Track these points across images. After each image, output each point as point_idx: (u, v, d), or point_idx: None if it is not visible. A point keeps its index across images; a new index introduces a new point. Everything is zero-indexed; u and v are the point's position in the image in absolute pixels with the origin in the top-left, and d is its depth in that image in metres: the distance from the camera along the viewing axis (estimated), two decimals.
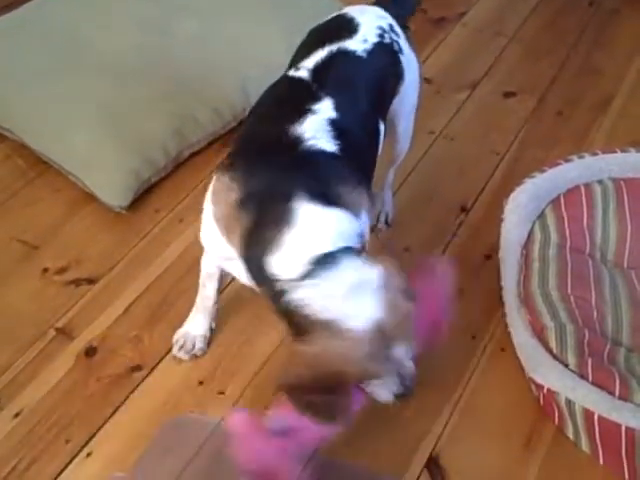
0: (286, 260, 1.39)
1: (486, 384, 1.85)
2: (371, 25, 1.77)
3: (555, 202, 2.07)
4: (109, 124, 2.28)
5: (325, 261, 1.36)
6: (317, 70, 1.65)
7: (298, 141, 1.50)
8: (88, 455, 1.67)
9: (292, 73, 1.67)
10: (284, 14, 2.65)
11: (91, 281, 2.03)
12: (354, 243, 1.43)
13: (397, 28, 1.84)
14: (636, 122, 2.58)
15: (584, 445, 1.69)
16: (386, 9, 1.86)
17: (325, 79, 1.63)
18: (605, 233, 2.02)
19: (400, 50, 1.81)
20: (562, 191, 2.09)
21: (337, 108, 1.58)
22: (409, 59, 1.85)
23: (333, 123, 1.55)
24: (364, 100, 1.67)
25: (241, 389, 1.80)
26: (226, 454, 1.46)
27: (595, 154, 2.18)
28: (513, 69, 2.86)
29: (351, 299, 1.33)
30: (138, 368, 1.83)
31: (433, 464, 1.69)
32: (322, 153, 1.51)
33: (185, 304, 1.91)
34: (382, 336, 1.34)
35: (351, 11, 1.82)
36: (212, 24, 2.60)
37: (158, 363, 1.84)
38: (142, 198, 2.24)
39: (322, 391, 1.35)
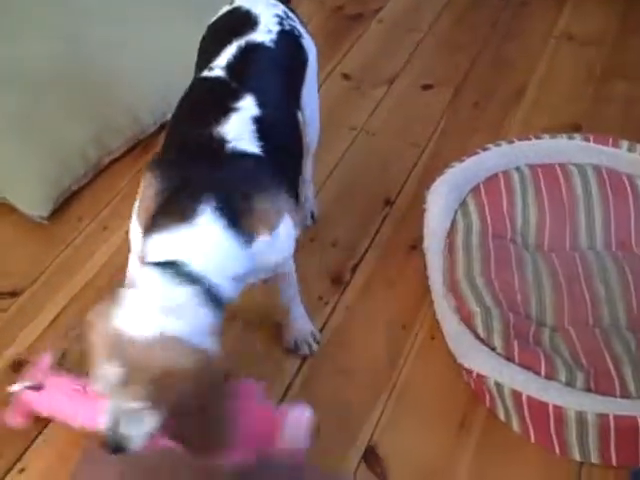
0: (154, 247, 1.40)
1: (418, 372, 1.87)
2: (268, 14, 1.78)
3: (475, 190, 2.11)
4: (24, 134, 2.24)
5: (168, 267, 1.34)
6: (231, 67, 1.65)
7: (221, 142, 1.50)
8: (21, 471, 1.64)
9: (207, 74, 1.66)
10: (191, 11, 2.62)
11: (14, 294, 1.99)
12: (217, 279, 1.38)
13: (290, 13, 1.85)
14: (548, 110, 2.65)
15: (515, 425, 1.73)
16: None
17: (241, 75, 1.63)
18: (525, 218, 2.07)
19: (300, 34, 1.82)
20: (481, 179, 2.13)
21: (259, 104, 1.58)
22: (308, 41, 1.86)
23: (257, 121, 1.55)
24: (281, 91, 1.69)
25: None
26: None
27: (511, 142, 2.23)
28: (429, 63, 2.90)
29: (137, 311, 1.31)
30: None
31: (371, 455, 1.70)
32: (244, 155, 1.50)
33: None
34: (116, 360, 1.27)
35: (243, 3, 1.82)
36: (125, 29, 2.57)
37: None
38: (64, 207, 2.20)
39: None
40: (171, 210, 1.42)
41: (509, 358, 1.72)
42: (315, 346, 1.89)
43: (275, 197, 1.50)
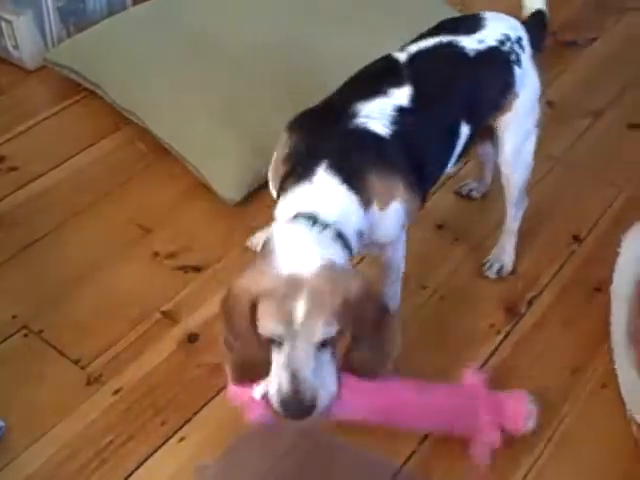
0: (284, 207, 1.49)
1: (583, 421, 1.79)
2: (497, 30, 1.76)
3: None
4: (231, 117, 2.32)
5: (301, 217, 1.43)
6: (415, 56, 1.67)
7: (352, 116, 1.55)
8: (181, 440, 1.70)
9: (394, 53, 1.70)
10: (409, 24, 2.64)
11: (198, 269, 2.07)
12: (343, 228, 1.44)
13: (525, 43, 1.81)
14: None
15: None
16: (527, 26, 1.85)
17: (418, 66, 1.65)
18: None
19: (517, 62, 1.77)
20: None
21: (413, 98, 1.60)
22: (527, 76, 1.81)
23: (400, 110, 1.58)
24: (450, 97, 1.68)
25: None
26: (316, 458, 1.47)
27: None
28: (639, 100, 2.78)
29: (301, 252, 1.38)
30: None
31: None
32: (367, 133, 1.54)
33: None
34: (298, 295, 1.32)
35: (488, 14, 1.81)
36: (341, 29, 2.62)
37: None
38: (257, 192, 2.25)
39: (230, 326, 1.42)
40: (294, 174, 1.51)
41: None
42: None
43: (388, 178, 1.54)
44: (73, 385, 1.79)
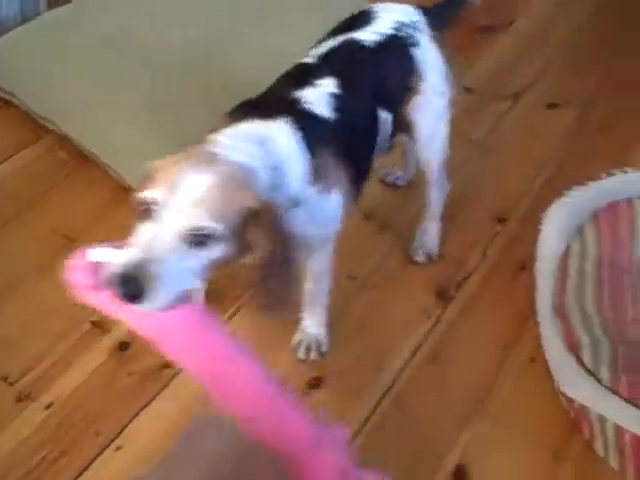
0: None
1: (516, 394, 1.84)
2: (390, 19, 1.79)
3: (595, 217, 2.04)
4: (153, 118, 2.29)
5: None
6: (323, 55, 1.70)
7: (295, 102, 1.56)
8: (118, 449, 1.68)
9: (302, 60, 1.72)
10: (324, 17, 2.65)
11: None
12: (283, 171, 1.42)
13: (423, 26, 1.83)
14: None
15: (613, 462, 1.67)
16: (428, 9, 1.88)
17: (329, 62, 1.68)
18: None
19: (416, 45, 1.80)
20: (602, 206, 2.06)
21: (339, 87, 1.62)
22: (430, 58, 1.83)
23: (334, 97, 1.60)
24: (363, 88, 1.69)
25: None
26: (251, 458, 1.46)
27: (638, 170, 2.15)
28: (557, 80, 2.83)
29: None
30: (169, 365, 1.83)
31: (461, 474, 1.68)
32: (314, 115, 1.55)
33: None
34: (195, 172, 1.26)
35: (379, 6, 1.84)
36: (265, 25, 2.62)
37: None
38: None
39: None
40: (252, 111, 1.51)
41: (615, 392, 1.66)
42: (315, 354, 1.87)
43: (334, 164, 1.55)
44: (2, 403, 1.75)
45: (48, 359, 1.84)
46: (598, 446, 1.70)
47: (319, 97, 1.59)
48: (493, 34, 3.03)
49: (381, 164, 2.36)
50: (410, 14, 1.83)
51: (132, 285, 1.16)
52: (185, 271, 1.23)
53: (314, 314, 1.86)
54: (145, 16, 2.65)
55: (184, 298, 1.22)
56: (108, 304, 1.24)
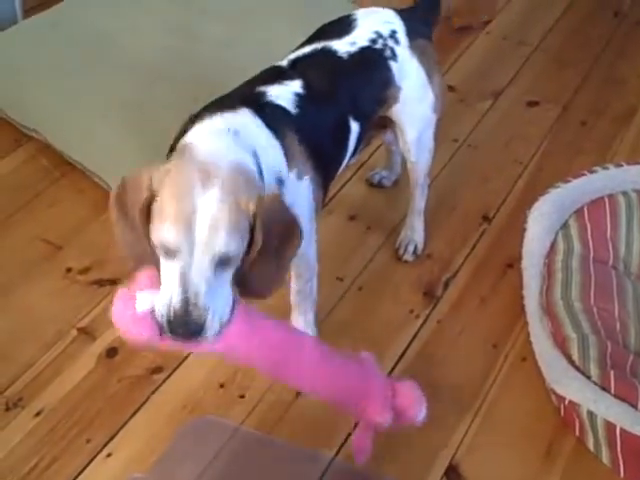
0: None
1: (507, 393, 1.84)
2: (368, 29, 1.78)
3: (579, 213, 2.06)
4: (133, 125, 2.29)
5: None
6: (295, 61, 1.71)
7: (259, 95, 1.57)
8: (108, 455, 1.68)
9: (277, 63, 1.72)
10: (307, 16, 2.65)
11: (114, 282, 2.03)
12: (260, 157, 1.43)
13: (401, 35, 1.82)
14: None
15: (605, 457, 1.68)
16: (410, 12, 1.88)
17: (301, 67, 1.68)
18: (629, 245, 2.01)
19: (393, 57, 1.79)
20: (586, 202, 2.08)
21: (305, 89, 1.62)
22: (407, 67, 1.82)
23: (299, 96, 1.61)
24: (334, 95, 1.69)
25: (261, 393, 1.80)
26: (245, 458, 1.46)
27: (619, 165, 2.17)
28: (537, 78, 2.86)
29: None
30: (159, 370, 1.84)
31: (453, 473, 1.68)
32: (277, 105, 1.56)
33: None
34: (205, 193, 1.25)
35: (360, 13, 1.83)
36: (239, 28, 2.62)
37: (179, 365, 1.85)
38: None
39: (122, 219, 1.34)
40: (215, 108, 1.50)
41: (604, 388, 1.67)
42: None
43: (303, 150, 1.56)
44: None
45: (37, 367, 1.83)
46: (589, 442, 1.71)
47: (284, 93, 1.60)
48: (472, 33, 3.05)
49: (367, 165, 2.40)
50: (390, 22, 1.82)
51: (188, 325, 1.24)
52: (222, 292, 1.29)
53: (302, 314, 1.86)
54: (124, 21, 2.66)
55: (231, 313, 1.30)
56: (177, 345, 1.32)
